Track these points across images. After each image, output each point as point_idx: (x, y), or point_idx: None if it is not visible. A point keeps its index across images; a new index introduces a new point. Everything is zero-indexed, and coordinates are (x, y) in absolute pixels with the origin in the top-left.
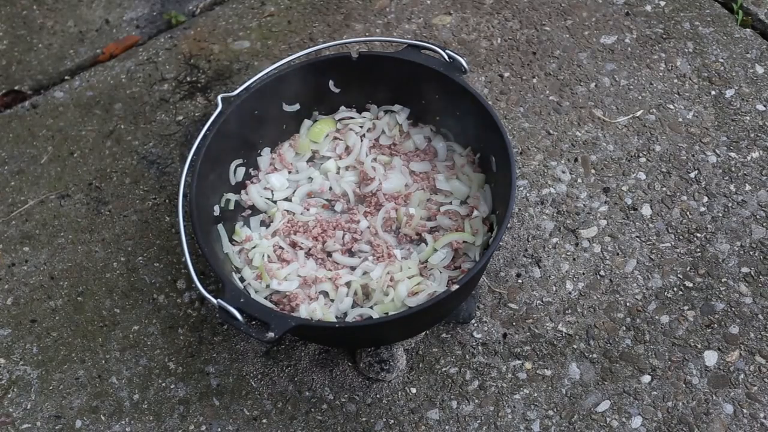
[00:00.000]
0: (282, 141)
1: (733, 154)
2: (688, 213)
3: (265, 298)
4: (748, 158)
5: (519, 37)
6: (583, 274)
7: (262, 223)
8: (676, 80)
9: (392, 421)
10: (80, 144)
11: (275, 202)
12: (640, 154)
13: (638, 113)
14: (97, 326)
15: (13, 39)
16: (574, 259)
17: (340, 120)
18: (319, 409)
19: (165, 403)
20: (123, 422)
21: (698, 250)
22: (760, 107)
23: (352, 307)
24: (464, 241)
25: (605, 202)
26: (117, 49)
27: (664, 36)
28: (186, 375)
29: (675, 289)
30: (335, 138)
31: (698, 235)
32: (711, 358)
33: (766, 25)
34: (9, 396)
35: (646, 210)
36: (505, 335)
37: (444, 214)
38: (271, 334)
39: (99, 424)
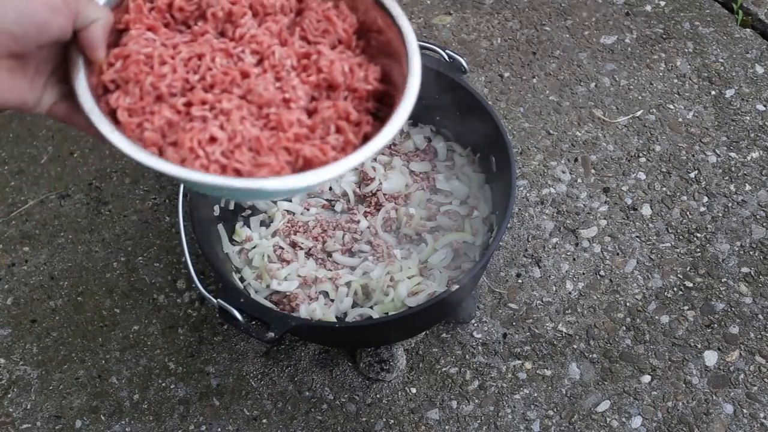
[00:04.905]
0: None
1: (733, 154)
2: (688, 213)
3: (265, 298)
4: (748, 158)
5: (519, 37)
6: (583, 274)
7: (262, 223)
8: (676, 80)
9: (392, 421)
10: (80, 144)
11: (275, 202)
12: (640, 154)
13: (638, 113)
14: (97, 326)
15: None
16: (574, 259)
17: None
18: (319, 409)
19: (165, 403)
20: (123, 422)
21: (698, 250)
22: (760, 107)
23: (352, 307)
24: (464, 241)
25: (605, 202)
26: None
27: (664, 36)
28: (186, 375)
29: (675, 289)
30: None
31: (698, 235)
32: (711, 358)
33: (766, 25)
34: (9, 396)
35: (646, 210)
36: (505, 335)
37: (444, 214)
38: (271, 334)
39: (99, 424)
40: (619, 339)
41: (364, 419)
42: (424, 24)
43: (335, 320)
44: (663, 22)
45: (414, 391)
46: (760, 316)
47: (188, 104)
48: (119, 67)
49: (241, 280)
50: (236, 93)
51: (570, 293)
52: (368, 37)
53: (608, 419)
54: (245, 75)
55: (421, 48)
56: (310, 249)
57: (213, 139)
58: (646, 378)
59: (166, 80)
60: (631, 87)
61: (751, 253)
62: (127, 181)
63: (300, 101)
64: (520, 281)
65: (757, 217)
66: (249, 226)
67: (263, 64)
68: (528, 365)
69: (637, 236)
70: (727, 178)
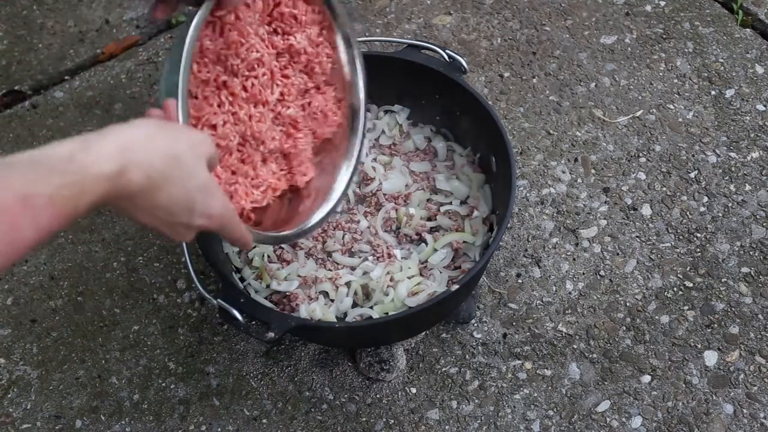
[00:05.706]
0: None
1: (733, 154)
2: (688, 213)
3: (265, 298)
4: (748, 158)
5: (519, 37)
6: (583, 274)
7: None
8: (676, 80)
9: (392, 421)
10: None
11: None
12: (640, 154)
13: (638, 113)
14: (97, 326)
15: (13, 39)
16: (574, 259)
17: None
18: (319, 409)
19: (165, 403)
20: (123, 422)
21: (698, 250)
22: (760, 107)
23: (352, 307)
24: (464, 241)
25: (605, 202)
26: (117, 49)
27: (664, 36)
28: (186, 375)
29: (675, 289)
30: None
31: (698, 235)
32: (711, 358)
33: (766, 25)
34: (9, 396)
35: (646, 210)
36: (505, 335)
37: (444, 214)
38: (271, 334)
39: (99, 424)
40: (619, 339)
41: (364, 419)
42: (424, 24)
43: (335, 320)
44: (663, 22)
45: (414, 391)
46: (760, 316)
47: (224, 83)
48: (230, 20)
49: (241, 280)
50: (251, 111)
51: (570, 293)
52: (323, 146)
53: (608, 419)
54: (264, 103)
55: (421, 48)
56: (310, 249)
57: (213, 126)
58: (646, 378)
59: (236, 60)
60: (631, 87)
61: (751, 253)
62: None
63: (266, 149)
64: (520, 281)
65: (757, 217)
66: None
67: (277, 105)
68: (528, 365)
69: (637, 236)
70: (727, 178)
